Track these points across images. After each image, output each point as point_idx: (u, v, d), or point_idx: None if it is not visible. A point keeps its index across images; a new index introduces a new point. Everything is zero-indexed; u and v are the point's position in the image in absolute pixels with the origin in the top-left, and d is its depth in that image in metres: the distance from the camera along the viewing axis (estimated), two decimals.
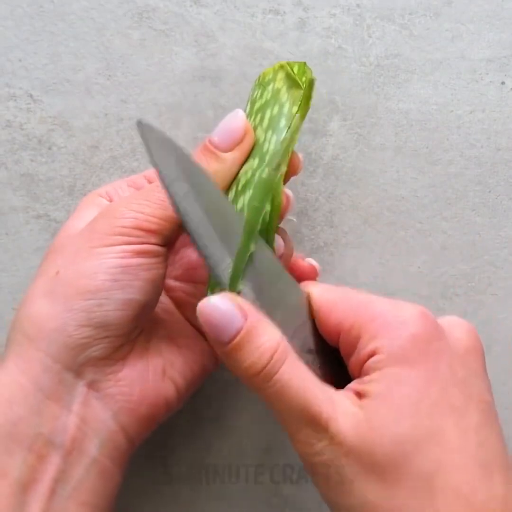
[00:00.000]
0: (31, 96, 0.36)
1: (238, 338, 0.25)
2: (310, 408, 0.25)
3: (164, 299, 0.32)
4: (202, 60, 0.36)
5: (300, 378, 0.25)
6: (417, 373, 0.25)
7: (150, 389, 0.29)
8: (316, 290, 0.28)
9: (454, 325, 0.27)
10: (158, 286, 0.29)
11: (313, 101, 0.34)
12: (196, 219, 0.26)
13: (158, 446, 0.35)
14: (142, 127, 0.27)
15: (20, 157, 0.36)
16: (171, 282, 0.33)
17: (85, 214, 0.30)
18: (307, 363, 0.26)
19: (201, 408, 0.36)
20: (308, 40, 0.36)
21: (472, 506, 0.24)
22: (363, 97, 0.36)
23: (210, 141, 0.29)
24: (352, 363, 0.27)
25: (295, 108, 0.29)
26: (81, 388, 0.27)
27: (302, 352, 0.27)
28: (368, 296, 0.27)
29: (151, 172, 0.32)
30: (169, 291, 0.33)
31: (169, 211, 0.28)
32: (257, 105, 0.30)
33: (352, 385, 0.26)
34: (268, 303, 0.27)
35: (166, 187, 0.26)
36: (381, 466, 0.24)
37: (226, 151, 0.29)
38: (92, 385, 0.27)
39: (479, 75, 0.36)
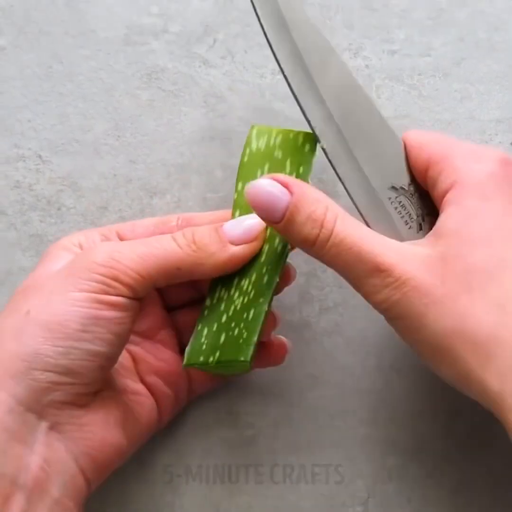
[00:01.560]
0: (40, 156, 0.36)
1: (287, 214, 0.27)
2: (370, 259, 0.26)
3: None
4: (211, 121, 0.36)
5: (357, 234, 0.26)
6: (492, 206, 0.27)
7: (110, 437, 0.29)
8: (411, 132, 0.30)
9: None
10: (125, 340, 0.29)
11: (322, 162, 0.34)
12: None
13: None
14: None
15: (29, 218, 0.36)
16: (132, 336, 0.33)
17: (57, 259, 0.30)
18: (388, 198, 0.29)
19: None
20: None
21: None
22: None
23: (223, 229, 0.30)
24: (435, 198, 0.29)
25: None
26: (44, 430, 0.27)
27: (384, 188, 0.29)
28: (457, 140, 0.30)
29: (123, 227, 0.32)
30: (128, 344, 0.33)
31: (148, 267, 0.28)
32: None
33: (433, 228, 0.28)
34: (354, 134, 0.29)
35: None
36: (453, 294, 0.25)
37: (234, 243, 0.30)
38: (54, 427, 0.27)
39: (488, 136, 0.36)
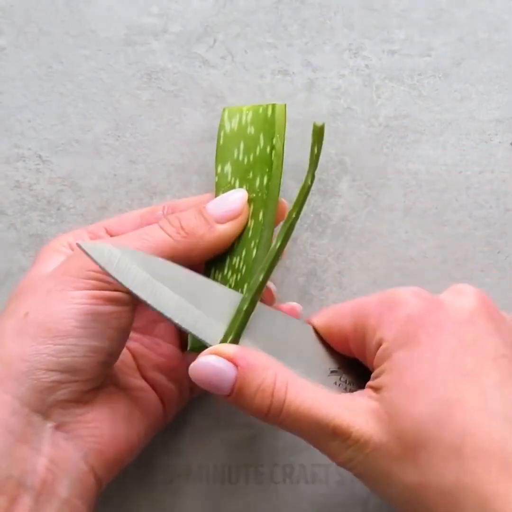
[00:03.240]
0: (40, 156, 0.36)
1: (236, 388, 0.26)
2: (327, 423, 0.25)
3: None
4: (211, 121, 0.36)
5: (309, 399, 0.26)
6: (421, 349, 0.26)
7: (119, 432, 0.29)
8: (316, 318, 0.30)
9: (456, 293, 0.28)
10: (126, 334, 0.29)
11: (322, 162, 0.34)
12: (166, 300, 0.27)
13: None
14: (84, 249, 0.27)
15: (29, 218, 0.36)
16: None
17: (49, 261, 0.30)
18: (334, 383, 0.29)
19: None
20: (317, 101, 0.36)
21: (504, 461, 0.24)
22: (372, 158, 0.36)
23: (207, 210, 0.30)
24: (368, 362, 0.28)
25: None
26: (49, 430, 0.27)
27: (325, 375, 0.29)
28: (360, 299, 0.29)
29: (110, 223, 0.32)
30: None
31: None
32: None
33: (369, 383, 0.27)
34: (275, 348, 0.28)
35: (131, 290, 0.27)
36: (410, 450, 0.25)
37: (220, 222, 0.30)
38: (60, 427, 0.28)
39: (488, 136, 0.36)
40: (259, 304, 0.29)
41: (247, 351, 0.27)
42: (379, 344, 0.27)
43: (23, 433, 0.27)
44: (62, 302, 0.27)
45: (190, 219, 0.30)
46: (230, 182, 0.32)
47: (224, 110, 0.33)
